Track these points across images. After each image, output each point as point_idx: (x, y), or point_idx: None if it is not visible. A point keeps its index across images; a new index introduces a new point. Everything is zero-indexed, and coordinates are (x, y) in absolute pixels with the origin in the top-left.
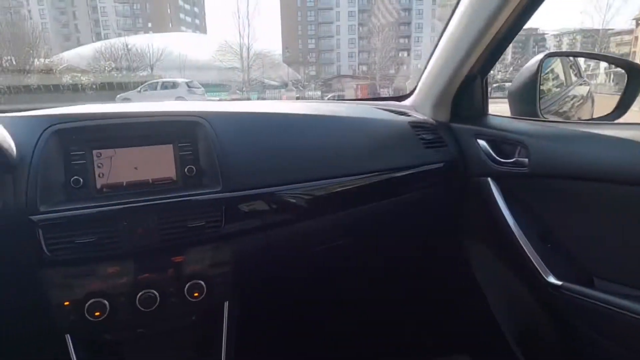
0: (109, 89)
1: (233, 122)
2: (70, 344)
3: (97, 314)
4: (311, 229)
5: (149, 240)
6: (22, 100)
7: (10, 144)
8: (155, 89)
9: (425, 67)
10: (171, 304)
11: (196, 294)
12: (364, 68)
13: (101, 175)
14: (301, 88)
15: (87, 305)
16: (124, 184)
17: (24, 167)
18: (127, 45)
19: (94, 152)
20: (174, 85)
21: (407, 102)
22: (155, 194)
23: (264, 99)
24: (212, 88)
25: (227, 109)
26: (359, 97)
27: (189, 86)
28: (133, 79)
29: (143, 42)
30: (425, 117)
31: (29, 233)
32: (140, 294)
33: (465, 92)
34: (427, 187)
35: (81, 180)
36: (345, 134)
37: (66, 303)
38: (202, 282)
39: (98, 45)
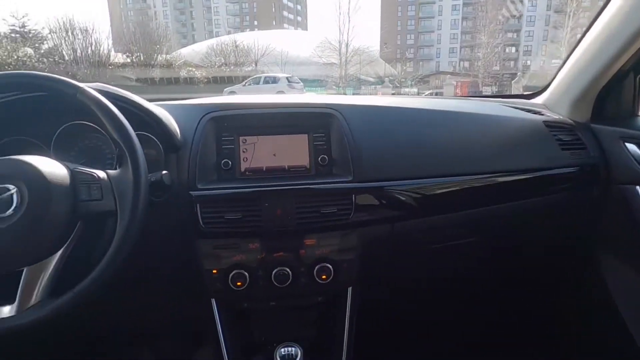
0: (218, 82)
1: (364, 114)
2: (215, 307)
3: (238, 283)
4: (434, 225)
5: (286, 221)
6: (148, 91)
7: (176, 128)
8: (258, 83)
9: (564, 63)
10: (301, 283)
11: (324, 277)
12: (466, 64)
13: (245, 159)
14: (397, 84)
15: (231, 275)
16: (264, 168)
17: (186, 149)
18: (235, 42)
19: (240, 138)
20: (275, 80)
21: (538, 100)
22: (292, 179)
23: (359, 94)
24: (310, 83)
25: (358, 102)
26: (460, 95)
27: (289, 81)
28: (239, 74)
29: (249, 39)
30: (561, 117)
31: (189, 207)
32: (275, 270)
33: (614, 90)
34: (558, 192)
35: (230, 162)
36: (474, 130)
37: (214, 271)
38: (330, 266)
39: (210, 42)
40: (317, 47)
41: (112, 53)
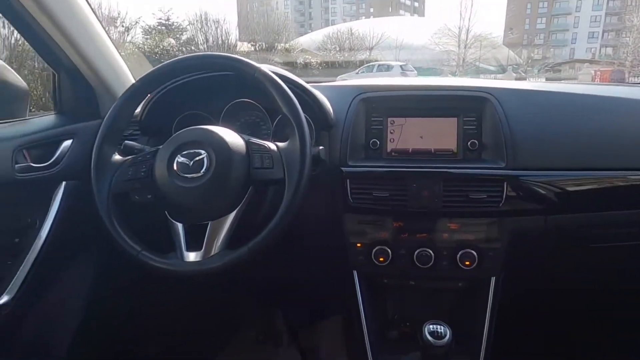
0: (331, 68)
1: (519, 98)
2: (357, 279)
3: (381, 259)
4: (594, 222)
5: (432, 203)
6: None
7: (329, 108)
8: (372, 71)
9: None
10: (443, 266)
11: (467, 263)
12: (609, 51)
13: (392, 140)
14: (522, 73)
15: (374, 250)
16: (410, 150)
17: (338, 127)
18: (350, 30)
19: (388, 119)
20: (389, 67)
21: None
22: (438, 162)
23: None
24: (424, 71)
25: (512, 86)
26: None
27: (402, 69)
28: (352, 60)
29: (365, 26)
30: None
31: (339, 182)
32: (418, 250)
33: None
34: None
35: (377, 142)
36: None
37: (359, 245)
38: (474, 253)
39: (327, 30)
40: (435, 34)
41: (239, 42)
